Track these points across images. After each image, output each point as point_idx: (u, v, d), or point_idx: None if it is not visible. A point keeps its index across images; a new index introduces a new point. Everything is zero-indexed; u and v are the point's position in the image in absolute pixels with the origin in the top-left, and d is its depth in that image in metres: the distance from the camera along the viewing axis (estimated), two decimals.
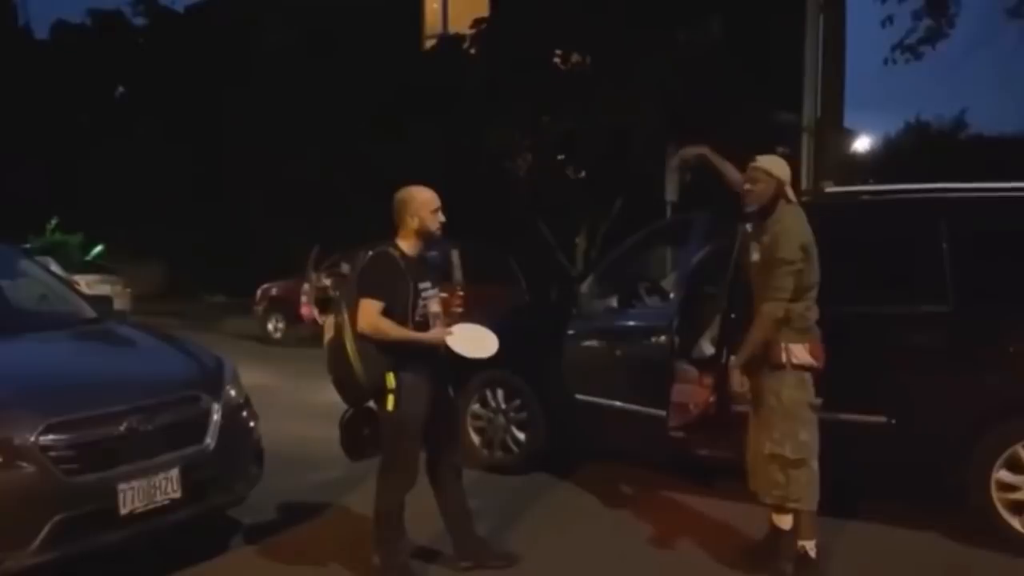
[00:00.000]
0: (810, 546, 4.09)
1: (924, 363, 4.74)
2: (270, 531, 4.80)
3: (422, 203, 4.06)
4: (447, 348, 4.05)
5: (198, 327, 14.49)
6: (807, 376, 4.07)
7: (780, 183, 4.13)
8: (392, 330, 3.89)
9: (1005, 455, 4.50)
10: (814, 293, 4.11)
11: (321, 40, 19.07)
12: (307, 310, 13.78)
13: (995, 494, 4.52)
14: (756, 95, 14.02)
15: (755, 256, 4.19)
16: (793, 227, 4.05)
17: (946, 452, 4.62)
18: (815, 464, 4.07)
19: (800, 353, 4.03)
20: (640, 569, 4.43)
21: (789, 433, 4.04)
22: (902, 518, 4.91)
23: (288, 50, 19.19)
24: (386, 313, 3.89)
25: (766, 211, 4.16)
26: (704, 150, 4.74)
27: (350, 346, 3.84)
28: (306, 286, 13.88)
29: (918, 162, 20.62)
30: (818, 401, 4.10)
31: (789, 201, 4.14)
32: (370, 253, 4.06)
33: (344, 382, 3.94)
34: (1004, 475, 4.51)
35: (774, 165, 4.19)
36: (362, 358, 3.84)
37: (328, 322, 3.98)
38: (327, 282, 13.26)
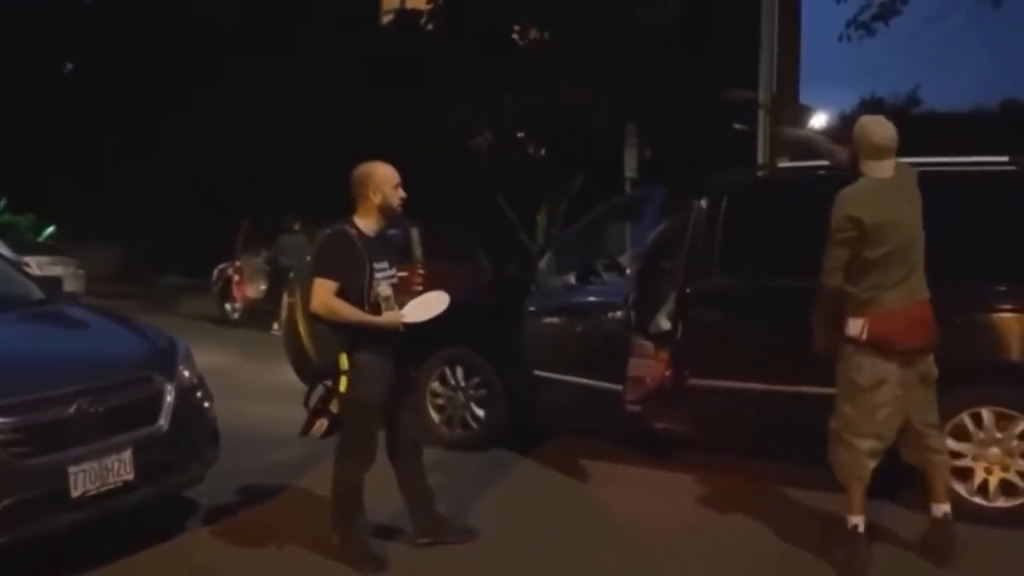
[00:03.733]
0: (855, 520, 4.06)
1: None
2: (228, 512, 4.76)
3: (384, 178, 4.01)
4: (404, 327, 4.02)
5: (155, 309, 14.26)
6: (852, 349, 3.97)
7: (855, 148, 4.01)
8: (345, 311, 3.84)
9: (952, 423, 4.61)
10: (886, 269, 3.94)
11: (277, 13, 18.80)
12: (241, 289, 13.61)
13: None
14: (713, 72, 14.11)
15: None
16: (844, 197, 3.94)
17: None
18: (861, 442, 3.99)
19: (852, 327, 3.96)
20: (600, 542, 4.47)
21: (837, 405, 4.07)
22: None
23: (243, 24, 18.89)
24: (341, 293, 3.84)
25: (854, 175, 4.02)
26: (809, 135, 4.58)
27: (302, 326, 3.81)
28: (237, 263, 13.71)
29: None
30: (869, 381, 3.94)
31: (860, 175, 3.96)
32: (327, 231, 4.01)
33: (298, 362, 3.93)
34: (951, 443, 4.60)
35: (857, 128, 4.05)
36: (314, 339, 3.81)
37: (284, 301, 3.95)
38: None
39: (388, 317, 3.96)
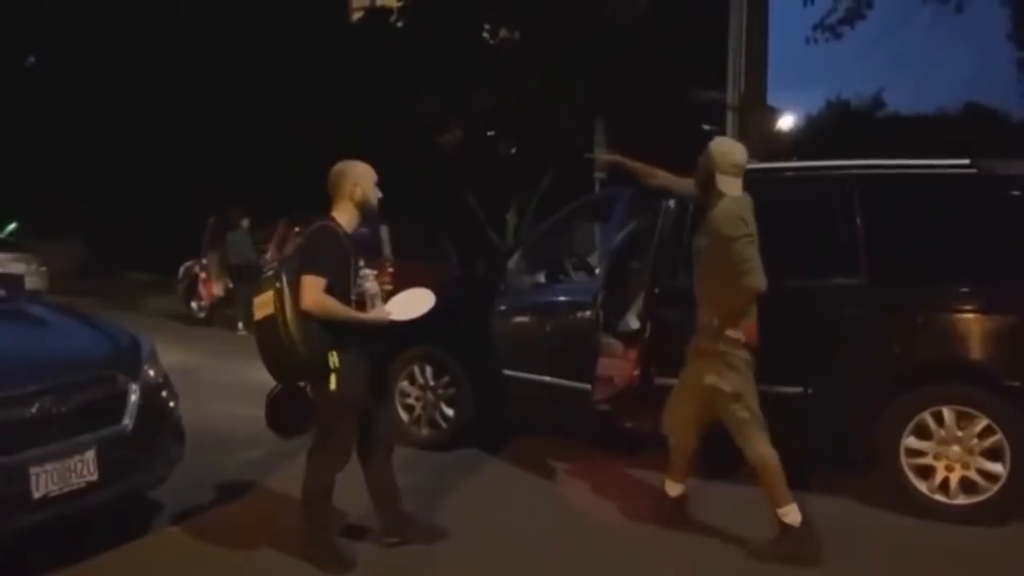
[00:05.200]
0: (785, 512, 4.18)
1: (838, 335, 4.90)
2: (194, 512, 4.71)
3: (364, 174, 4.03)
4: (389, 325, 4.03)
5: (119, 306, 14.09)
6: (737, 349, 4.18)
7: (712, 168, 4.22)
8: (337, 308, 3.81)
9: (913, 422, 4.70)
10: None
11: (244, 9, 18.63)
12: (208, 287, 13.37)
13: (904, 460, 4.72)
14: (682, 72, 14.21)
15: (703, 241, 4.31)
16: (731, 204, 4.16)
17: (859, 421, 4.79)
18: (762, 431, 4.19)
19: (734, 332, 4.17)
20: (569, 540, 4.48)
21: (736, 400, 4.21)
22: (815, 486, 5.08)
23: (209, 20, 18.69)
24: (328, 290, 3.81)
25: (704, 192, 4.28)
26: (619, 159, 4.85)
27: (292, 324, 3.73)
28: (204, 261, 13.49)
29: (839, 140, 21.17)
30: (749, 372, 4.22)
31: (722, 194, 4.18)
32: (310, 228, 3.96)
33: (280, 361, 3.82)
34: (912, 442, 4.71)
35: (715, 147, 4.29)
36: (306, 337, 3.74)
37: (263, 299, 3.82)
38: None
39: (375, 314, 3.97)
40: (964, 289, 4.79)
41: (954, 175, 5.03)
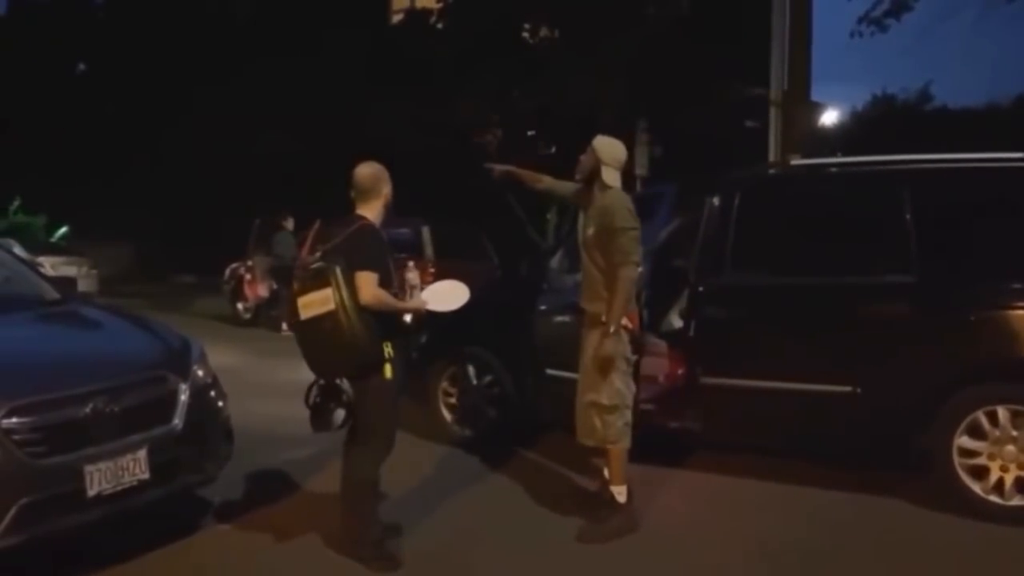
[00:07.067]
0: (620, 491, 4.45)
1: (889, 333, 4.81)
2: (241, 510, 4.78)
3: (387, 176, 4.20)
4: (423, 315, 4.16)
5: (167, 308, 14.35)
6: (623, 333, 4.37)
7: (598, 160, 4.42)
8: (391, 301, 3.98)
9: (966, 421, 4.59)
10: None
11: (288, 13, 18.85)
12: (253, 288, 13.50)
13: (957, 460, 4.61)
14: (724, 69, 14.07)
15: (590, 230, 4.43)
16: (621, 198, 4.38)
17: (910, 420, 4.70)
18: (628, 412, 4.43)
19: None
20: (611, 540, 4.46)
21: (604, 383, 4.38)
22: (866, 486, 5.00)
23: (254, 24, 18.96)
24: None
25: (589, 186, 4.49)
26: (509, 168, 5.05)
27: (355, 319, 3.80)
28: (249, 263, 13.64)
29: (885, 135, 20.82)
30: (633, 356, 4.52)
31: (607, 186, 4.38)
32: (353, 226, 4.03)
33: (339, 357, 3.88)
34: (965, 441, 4.60)
35: (601, 144, 4.48)
36: (367, 331, 3.83)
37: (319, 296, 3.86)
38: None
39: (414, 303, 4.14)
40: (1018, 285, 4.67)
41: (1008, 169, 4.91)
